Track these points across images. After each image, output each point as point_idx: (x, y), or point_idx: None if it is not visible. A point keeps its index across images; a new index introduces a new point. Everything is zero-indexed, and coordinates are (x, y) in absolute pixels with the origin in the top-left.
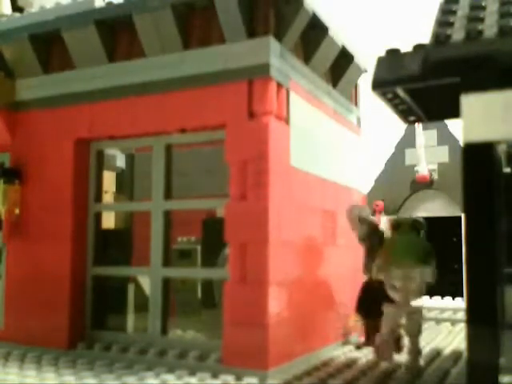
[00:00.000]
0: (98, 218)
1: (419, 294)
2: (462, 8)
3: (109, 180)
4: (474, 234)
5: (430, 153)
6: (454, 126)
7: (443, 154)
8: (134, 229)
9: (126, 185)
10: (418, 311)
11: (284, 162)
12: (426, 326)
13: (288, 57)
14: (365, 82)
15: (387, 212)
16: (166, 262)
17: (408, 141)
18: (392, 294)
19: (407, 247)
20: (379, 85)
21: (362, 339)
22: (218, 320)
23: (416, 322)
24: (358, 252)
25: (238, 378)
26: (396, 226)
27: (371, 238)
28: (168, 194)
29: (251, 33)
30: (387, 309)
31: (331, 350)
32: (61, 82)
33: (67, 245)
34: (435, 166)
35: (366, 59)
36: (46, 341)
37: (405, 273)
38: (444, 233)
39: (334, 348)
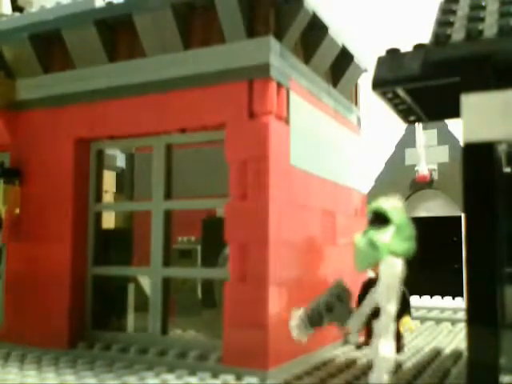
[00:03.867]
0: (98, 217)
1: None
2: (462, 8)
3: (109, 180)
4: (474, 234)
5: (430, 152)
6: (454, 125)
7: (443, 154)
8: (135, 228)
9: (126, 184)
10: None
11: (284, 161)
12: (426, 325)
13: (288, 56)
14: (365, 82)
15: None
16: (166, 261)
17: (408, 140)
18: None
19: None
20: (379, 84)
21: (362, 339)
22: (218, 320)
23: None
24: None
25: (238, 377)
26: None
27: None
28: (168, 194)
29: (251, 33)
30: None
31: (331, 350)
32: (61, 81)
33: (67, 245)
34: (435, 166)
35: (366, 59)
36: (46, 341)
37: None
38: (444, 233)
39: (334, 348)
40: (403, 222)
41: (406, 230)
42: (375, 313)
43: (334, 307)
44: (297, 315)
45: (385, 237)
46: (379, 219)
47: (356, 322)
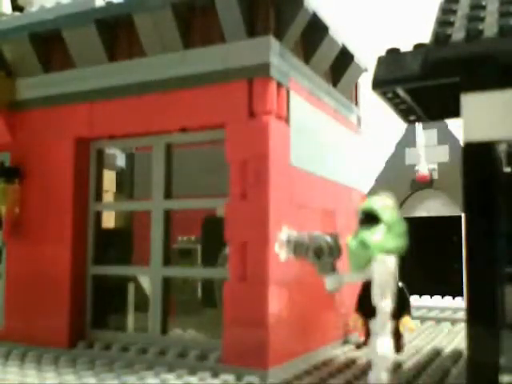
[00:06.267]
0: (98, 217)
1: None
2: (462, 7)
3: (109, 179)
4: (474, 233)
5: (430, 152)
6: (455, 125)
7: (443, 154)
8: (134, 228)
9: (126, 184)
10: None
11: (284, 161)
12: (426, 325)
13: (288, 56)
14: (365, 82)
15: None
16: (167, 261)
17: (408, 140)
18: None
19: None
20: (379, 84)
21: (362, 338)
22: (218, 319)
23: None
24: None
25: (239, 377)
26: None
27: None
28: (168, 194)
29: (251, 32)
30: None
31: (331, 350)
32: (61, 81)
33: (67, 244)
34: (435, 166)
35: (366, 59)
36: (46, 340)
37: None
38: (444, 233)
39: (334, 347)
40: (394, 220)
41: (397, 227)
42: (371, 312)
43: (322, 255)
44: (287, 234)
45: (376, 236)
46: (369, 218)
47: (333, 280)
